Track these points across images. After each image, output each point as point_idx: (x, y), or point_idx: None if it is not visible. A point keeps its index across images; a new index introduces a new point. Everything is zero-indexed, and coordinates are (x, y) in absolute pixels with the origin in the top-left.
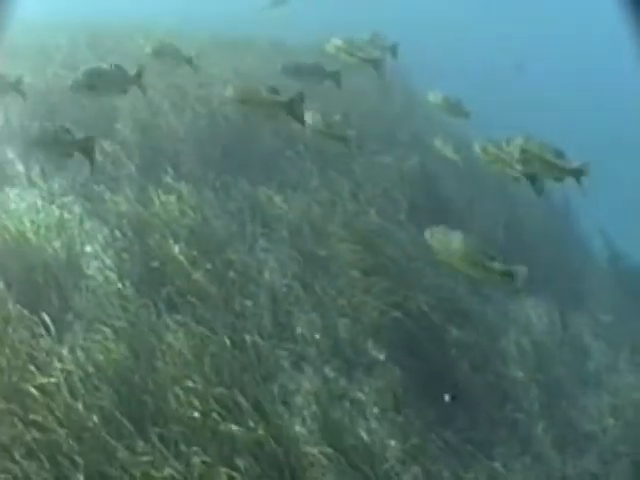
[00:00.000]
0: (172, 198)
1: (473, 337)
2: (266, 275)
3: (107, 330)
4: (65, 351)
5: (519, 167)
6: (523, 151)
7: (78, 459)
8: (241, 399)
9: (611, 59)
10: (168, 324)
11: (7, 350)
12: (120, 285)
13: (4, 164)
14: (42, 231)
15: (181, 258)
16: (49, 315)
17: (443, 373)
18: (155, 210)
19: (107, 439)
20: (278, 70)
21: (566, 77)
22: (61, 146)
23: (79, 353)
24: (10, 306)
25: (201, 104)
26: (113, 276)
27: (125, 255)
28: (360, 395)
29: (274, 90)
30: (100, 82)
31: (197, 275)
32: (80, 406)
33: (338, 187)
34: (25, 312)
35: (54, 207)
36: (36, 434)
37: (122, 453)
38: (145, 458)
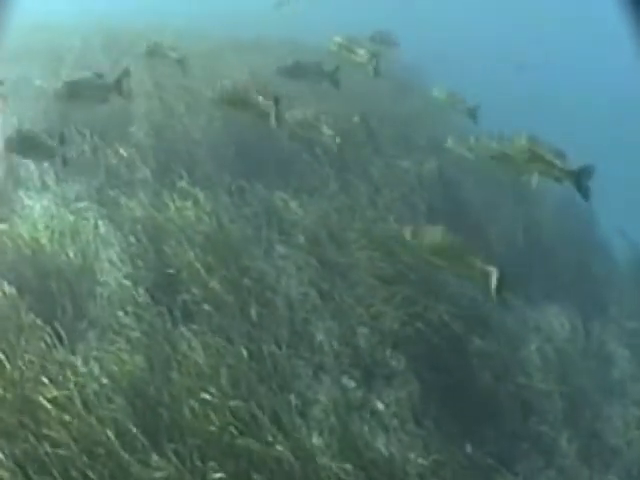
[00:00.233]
0: (187, 203)
1: (494, 347)
2: (283, 282)
3: (121, 340)
4: (79, 362)
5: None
6: (524, 151)
7: (91, 474)
8: (258, 412)
9: (611, 59)
10: (183, 333)
11: (20, 362)
12: (134, 292)
13: (18, 167)
14: (56, 237)
15: (197, 265)
16: (62, 323)
17: (464, 384)
18: (170, 215)
19: (121, 453)
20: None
21: (571, 77)
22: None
23: (92, 363)
24: (23, 314)
25: (215, 106)
26: (127, 283)
27: (140, 262)
28: (379, 406)
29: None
30: (81, 91)
31: (213, 282)
32: (94, 419)
33: (356, 192)
34: (38, 321)
35: (68, 212)
36: (49, 449)
37: (136, 468)
38: (160, 473)
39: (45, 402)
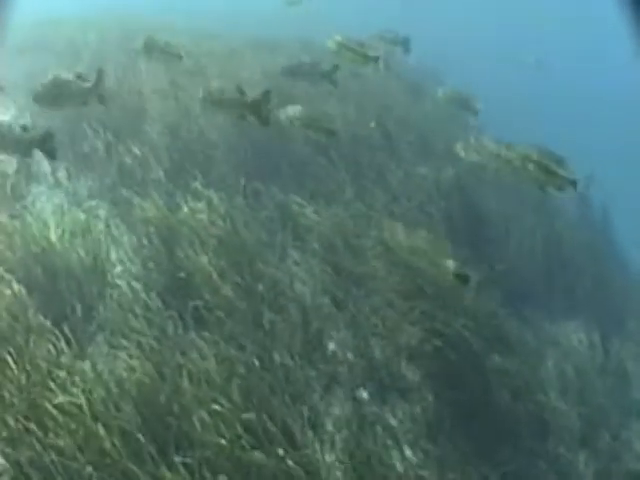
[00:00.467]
0: (201, 205)
1: (512, 364)
2: (297, 289)
3: (131, 345)
4: (87, 367)
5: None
6: (524, 157)
7: None
8: (269, 425)
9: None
10: (194, 340)
11: (27, 365)
12: (145, 296)
13: (30, 163)
14: (67, 236)
15: (209, 269)
16: (71, 325)
17: (481, 400)
18: (183, 217)
19: (128, 464)
20: None
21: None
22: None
23: (101, 368)
24: (31, 315)
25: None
26: (138, 286)
27: (151, 264)
28: (393, 422)
29: (240, 90)
30: (60, 93)
31: (225, 288)
32: (101, 428)
33: (372, 199)
34: (47, 323)
35: (80, 210)
36: (54, 457)
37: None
38: None
39: (51, 408)
